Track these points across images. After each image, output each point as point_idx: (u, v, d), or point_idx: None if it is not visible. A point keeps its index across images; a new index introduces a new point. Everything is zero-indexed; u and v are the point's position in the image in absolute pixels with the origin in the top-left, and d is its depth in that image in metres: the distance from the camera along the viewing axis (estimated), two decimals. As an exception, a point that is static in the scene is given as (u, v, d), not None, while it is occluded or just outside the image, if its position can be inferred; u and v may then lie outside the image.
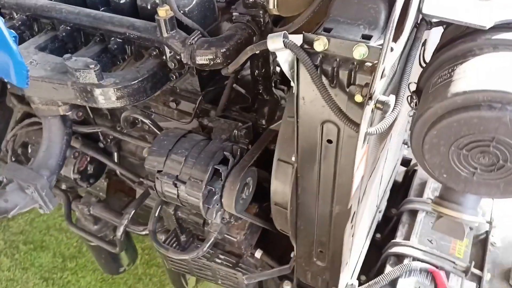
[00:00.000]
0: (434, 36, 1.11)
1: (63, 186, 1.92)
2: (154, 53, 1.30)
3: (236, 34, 1.22)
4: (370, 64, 0.78)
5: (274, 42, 0.87)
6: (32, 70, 1.33)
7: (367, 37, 0.82)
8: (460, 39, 0.90)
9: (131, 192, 1.94)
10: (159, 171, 1.19)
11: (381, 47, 0.77)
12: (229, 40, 1.20)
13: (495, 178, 0.86)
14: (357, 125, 0.85)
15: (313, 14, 1.20)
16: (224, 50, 1.18)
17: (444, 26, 1.05)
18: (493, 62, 0.83)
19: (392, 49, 0.78)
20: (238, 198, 1.17)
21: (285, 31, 0.86)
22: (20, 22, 1.54)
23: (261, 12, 1.25)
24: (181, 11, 1.25)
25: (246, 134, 1.29)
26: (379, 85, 0.78)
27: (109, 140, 1.80)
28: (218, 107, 1.37)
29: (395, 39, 0.79)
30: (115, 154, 1.85)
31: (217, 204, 1.17)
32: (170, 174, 1.17)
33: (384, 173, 1.46)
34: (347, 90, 0.86)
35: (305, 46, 0.86)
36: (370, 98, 0.76)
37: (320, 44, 0.83)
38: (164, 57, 1.30)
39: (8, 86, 1.95)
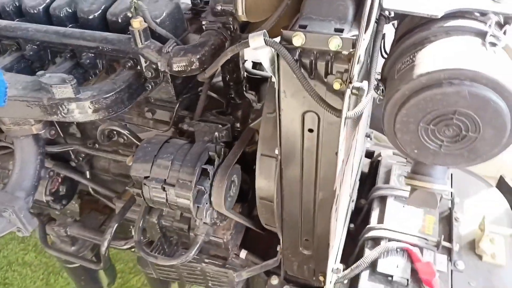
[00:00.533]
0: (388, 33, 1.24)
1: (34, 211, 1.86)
2: (129, 64, 1.34)
3: (209, 41, 1.28)
4: (346, 53, 0.88)
5: (255, 41, 0.94)
6: (3, 91, 1.32)
7: (339, 30, 0.91)
8: (417, 29, 1.02)
9: (106, 209, 1.92)
10: (146, 177, 1.22)
11: (354, 37, 0.87)
12: (204, 46, 1.26)
13: (459, 148, 0.97)
14: (337, 111, 0.93)
15: (278, 19, 1.30)
16: (200, 56, 1.24)
17: (398, 20, 1.18)
18: (448, 46, 0.95)
19: (363, 39, 0.88)
20: (227, 195, 1.22)
21: (264, 30, 0.93)
22: (-21, 43, 1.51)
23: (230, 19, 1.33)
24: (157, 23, 1.30)
25: (227, 134, 1.34)
26: (356, 71, 0.87)
27: (80, 159, 1.79)
28: (196, 112, 1.42)
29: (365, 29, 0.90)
30: (87, 172, 1.83)
31: (207, 203, 1.21)
32: (157, 178, 1.20)
33: (354, 163, 1.57)
34: (325, 80, 0.94)
35: (284, 42, 0.94)
36: (350, 82, 0.85)
37: (298, 39, 0.91)
38: (138, 68, 1.33)
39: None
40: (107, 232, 1.49)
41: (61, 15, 1.42)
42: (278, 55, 0.95)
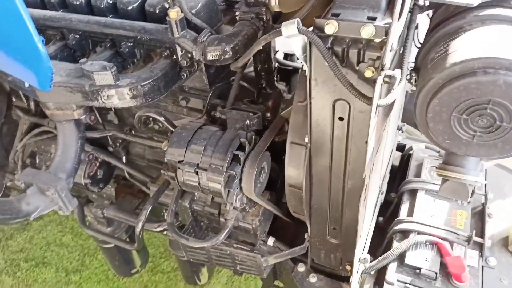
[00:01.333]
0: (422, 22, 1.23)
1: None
2: (165, 53, 1.39)
3: (242, 30, 1.31)
4: (379, 41, 0.88)
5: (288, 29, 0.96)
6: (49, 78, 1.40)
7: (372, 18, 0.92)
8: (451, 18, 1.01)
9: (140, 194, 2.00)
10: (180, 161, 1.26)
11: (387, 25, 0.88)
12: (237, 36, 1.29)
13: (493, 138, 0.96)
14: (368, 99, 0.94)
15: (311, 9, 1.31)
16: (233, 45, 1.27)
17: (433, 10, 1.17)
18: (483, 34, 0.94)
19: (396, 27, 0.88)
20: (256, 181, 1.25)
21: (297, 19, 0.95)
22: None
23: (263, 9, 1.35)
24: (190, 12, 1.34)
25: (258, 122, 1.37)
26: (388, 59, 0.88)
27: (117, 144, 1.86)
28: (228, 100, 1.46)
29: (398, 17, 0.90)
30: (124, 157, 1.91)
31: (237, 188, 1.25)
32: (191, 163, 1.25)
33: (385, 154, 1.56)
34: (357, 68, 0.95)
35: (316, 31, 0.95)
36: (382, 69, 0.86)
37: (330, 27, 0.92)
38: (175, 57, 1.38)
39: (13, 99, 2.00)
40: (142, 214, 1.55)
41: (102, 6, 1.49)
42: (310, 43, 0.96)
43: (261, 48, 1.18)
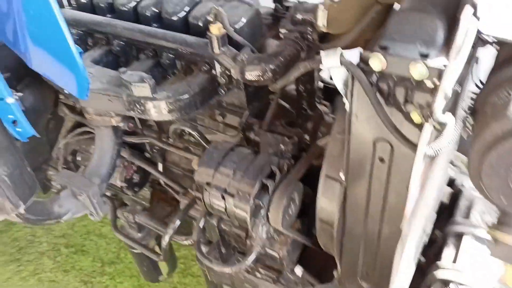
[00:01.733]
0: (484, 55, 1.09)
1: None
2: (204, 68, 1.34)
3: (284, 51, 1.24)
4: (430, 83, 0.78)
5: (329, 60, 0.88)
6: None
7: (425, 56, 0.81)
8: (521, 59, 0.88)
9: (174, 202, 1.98)
10: (207, 183, 1.22)
11: (441, 66, 0.77)
12: (278, 56, 1.22)
13: (559, 203, 0.82)
14: (413, 145, 0.84)
15: (361, 32, 1.21)
16: (273, 66, 1.20)
17: (499, 47, 1.03)
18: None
19: (453, 69, 0.77)
20: (285, 213, 1.18)
21: (340, 48, 0.87)
22: (76, 37, 1.63)
23: (309, 29, 1.27)
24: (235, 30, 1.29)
25: (293, 148, 1.30)
26: (439, 105, 0.77)
27: (155, 151, 1.86)
28: (264, 121, 1.39)
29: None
30: (160, 164, 1.90)
31: (264, 218, 1.18)
32: (218, 186, 1.20)
33: (432, 195, 1.43)
34: (404, 109, 0.85)
35: (361, 64, 0.86)
36: (430, 118, 0.75)
37: (376, 62, 0.83)
38: (213, 72, 1.34)
39: (61, 97, 2.06)
40: (170, 227, 1.53)
41: (148, 14, 1.48)
42: (353, 77, 0.87)
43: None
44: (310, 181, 1.39)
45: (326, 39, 1.38)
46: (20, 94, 1.75)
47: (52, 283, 3.23)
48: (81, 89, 1.14)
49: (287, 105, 1.46)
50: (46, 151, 2.07)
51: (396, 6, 1.01)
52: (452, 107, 0.92)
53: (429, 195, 1.26)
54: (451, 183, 1.88)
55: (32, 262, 3.34)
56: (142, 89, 1.28)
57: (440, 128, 0.80)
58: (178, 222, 1.52)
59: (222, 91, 1.36)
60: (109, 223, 3.59)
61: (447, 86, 0.75)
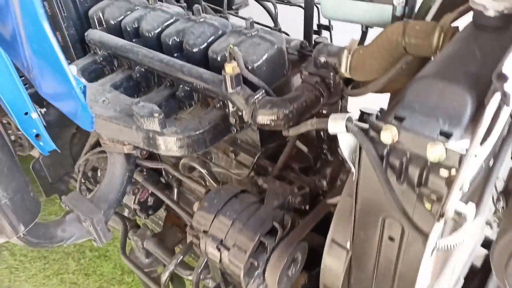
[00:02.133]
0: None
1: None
2: (218, 105, 1.28)
3: (301, 96, 1.15)
4: (447, 171, 0.66)
5: (336, 125, 0.78)
6: (102, 109, 1.38)
7: (446, 135, 0.69)
8: None
9: (186, 228, 1.93)
10: (204, 231, 1.15)
11: (463, 151, 0.64)
12: (294, 102, 1.13)
13: None
14: (424, 234, 0.72)
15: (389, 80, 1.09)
16: (287, 112, 1.12)
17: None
18: None
19: (476, 156, 0.65)
20: (283, 275, 1.08)
21: (349, 115, 0.76)
22: (102, 58, 1.63)
23: (331, 74, 1.17)
24: (249, 67, 1.21)
25: (301, 201, 1.19)
26: (456, 196, 0.65)
27: (170, 176, 1.82)
28: (276, 166, 1.30)
29: (482, 141, 0.66)
30: (175, 189, 1.85)
31: (259, 278, 1.09)
32: (215, 236, 1.12)
33: (459, 263, 1.27)
34: (417, 190, 0.73)
35: (372, 133, 0.75)
36: (444, 211, 0.63)
37: (388, 135, 0.72)
38: (227, 110, 1.27)
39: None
40: (171, 263, 1.47)
41: (170, 43, 1.44)
42: (360, 147, 0.77)
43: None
44: (324, 227, 1.28)
45: (351, 83, 1.28)
46: (44, 109, 1.79)
47: (73, 285, 3.28)
48: (86, 122, 1.11)
49: (304, 149, 1.36)
50: (69, 164, 2.09)
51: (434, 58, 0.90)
52: (481, 185, 0.79)
53: (447, 279, 1.12)
54: (488, 244, 1.69)
55: (57, 261, 3.40)
56: (151, 123, 1.24)
57: (457, 220, 0.67)
58: (180, 258, 1.46)
59: (235, 129, 1.29)
60: (133, 232, 3.61)
61: (466, 176, 0.63)
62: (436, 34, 0.93)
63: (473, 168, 0.64)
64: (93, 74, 1.63)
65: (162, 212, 2.07)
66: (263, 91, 1.16)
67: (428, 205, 0.69)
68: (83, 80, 1.04)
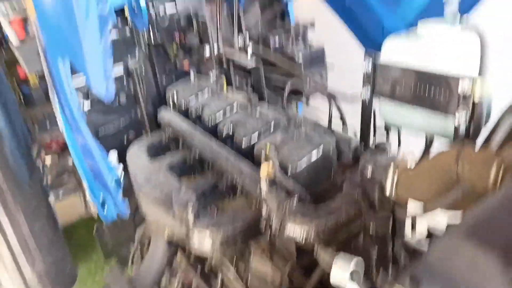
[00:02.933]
0: None
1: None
2: (255, 203, 1.20)
3: (339, 211, 1.02)
4: None
5: (339, 272, 0.65)
6: (151, 190, 1.39)
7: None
8: None
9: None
10: None
11: None
12: (329, 215, 1.00)
13: None
14: None
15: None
16: (318, 225, 0.99)
17: None
18: None
19: None
20: None
21: (353, 269, 0.63)
22: (169, 136, 1.70)
23: (376, 191, 1.02)
24: (288, 169, 1.14)
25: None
26: None
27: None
28: (309, 282, 1.14)
29: None
30: (220, 279, 1.76)
31: None
32: None
33: None
34: None
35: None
36: None
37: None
38: (262, 211, 1.18)
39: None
40: None
41: (224, 134, 1.45)
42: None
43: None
44: None
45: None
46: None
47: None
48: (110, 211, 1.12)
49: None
50: (131, 230, 2.14)
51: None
52: None
53: None
54: None
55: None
56: (185, 213, 1.21)
57: None
58: None
59: (268, 234, 1.18)
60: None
61: None
62: (495, 167, 0.76)
63: None
64: (159, 150, 1.70)
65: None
66: (296, 198, 1.06)
67: None
68: (119, 171, 1.06)
